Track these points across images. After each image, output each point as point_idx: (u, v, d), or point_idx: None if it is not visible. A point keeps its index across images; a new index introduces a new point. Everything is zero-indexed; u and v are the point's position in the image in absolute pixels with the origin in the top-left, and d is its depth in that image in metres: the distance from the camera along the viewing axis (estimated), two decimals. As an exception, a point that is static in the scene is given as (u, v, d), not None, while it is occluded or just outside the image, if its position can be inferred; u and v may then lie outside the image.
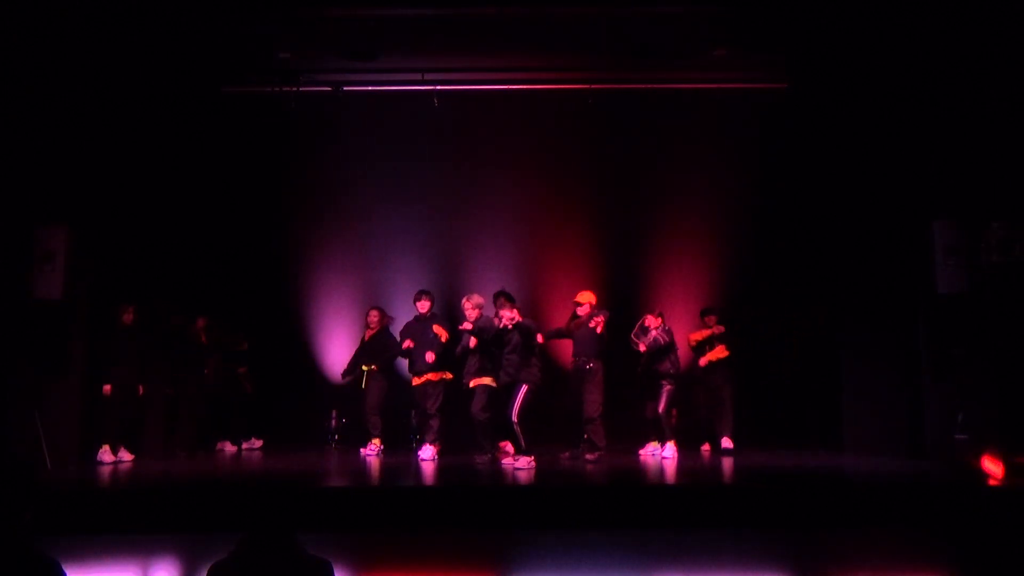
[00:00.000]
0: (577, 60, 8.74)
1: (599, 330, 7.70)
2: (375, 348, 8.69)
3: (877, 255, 8.14)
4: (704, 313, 8.91)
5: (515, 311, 7.44)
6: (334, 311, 9.89)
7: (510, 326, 7.31)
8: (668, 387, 8.04)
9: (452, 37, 8.09)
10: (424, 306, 8.31)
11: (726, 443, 8.38)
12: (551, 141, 9.73)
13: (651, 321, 8.23)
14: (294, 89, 9.03)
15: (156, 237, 8.25)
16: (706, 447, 8.61)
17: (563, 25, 7.80)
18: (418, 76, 9.03)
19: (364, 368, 8.61)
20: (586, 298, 7.93)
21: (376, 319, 8.80)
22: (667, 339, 8.08)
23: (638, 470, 7.10)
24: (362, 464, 7.60)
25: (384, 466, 7.42)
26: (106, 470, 6.99)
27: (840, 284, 8.56)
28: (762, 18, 7.56)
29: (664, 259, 9.78)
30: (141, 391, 7.70)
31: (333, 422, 9.28)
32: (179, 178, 8.64)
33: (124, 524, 5.26)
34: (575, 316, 7.97)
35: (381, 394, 8.54)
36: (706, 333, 8.72)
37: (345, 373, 8.82)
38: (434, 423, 7.88)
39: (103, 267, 7.61)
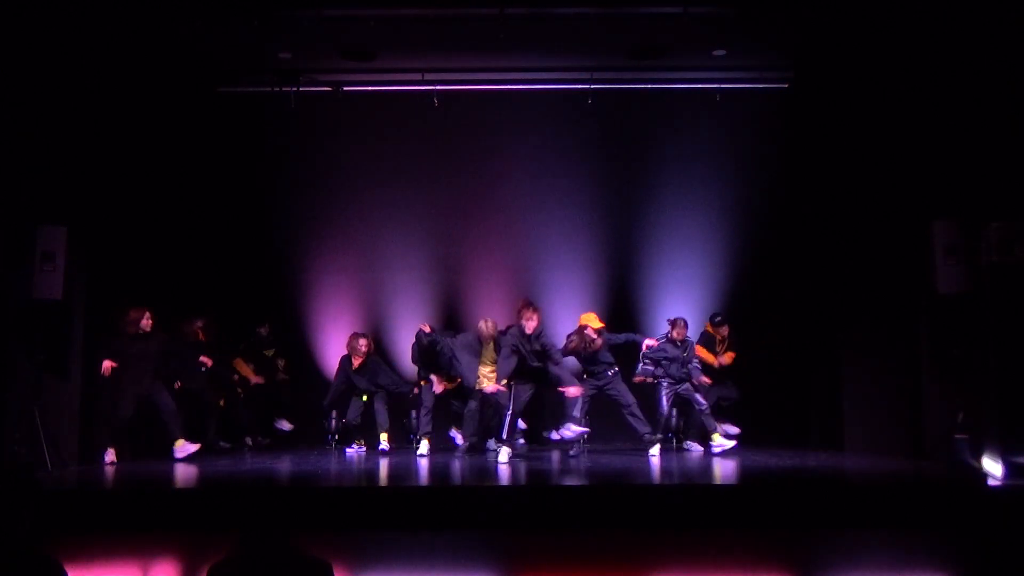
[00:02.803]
0: (577, 60, 8.74)
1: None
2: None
3: (877, 255, 8.14)
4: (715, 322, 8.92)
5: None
6: (333, 311, 9.89)
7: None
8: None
9: (452, 37, 8.09)
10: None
11: (696, 445, 8.49)
12: (551, 141, 9.73)
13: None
14: (294, 89, 9.02)
15: (155, 237, 8.25)
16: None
17: (563, 25, 7.80)
18: (418, 76, 9.03)
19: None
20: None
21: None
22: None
23: (638, 470, 7.10)
24: (362, 464, 7.61)
25: (383, 466, 7.43)
26: (106, 470, 7.00)
27: (840, 284, 8.56)
28: (762, 18, 7.56)
29: (664, 258, 9.77)
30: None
31: (333, 422, 9.28)
32: (179, 178, 8.65)
33: (124, 524, 5.26)
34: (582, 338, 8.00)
35: None
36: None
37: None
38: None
39: (102, 267, 7.61)
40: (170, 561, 5.07)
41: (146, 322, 7.51)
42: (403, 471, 7.10)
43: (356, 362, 8.66)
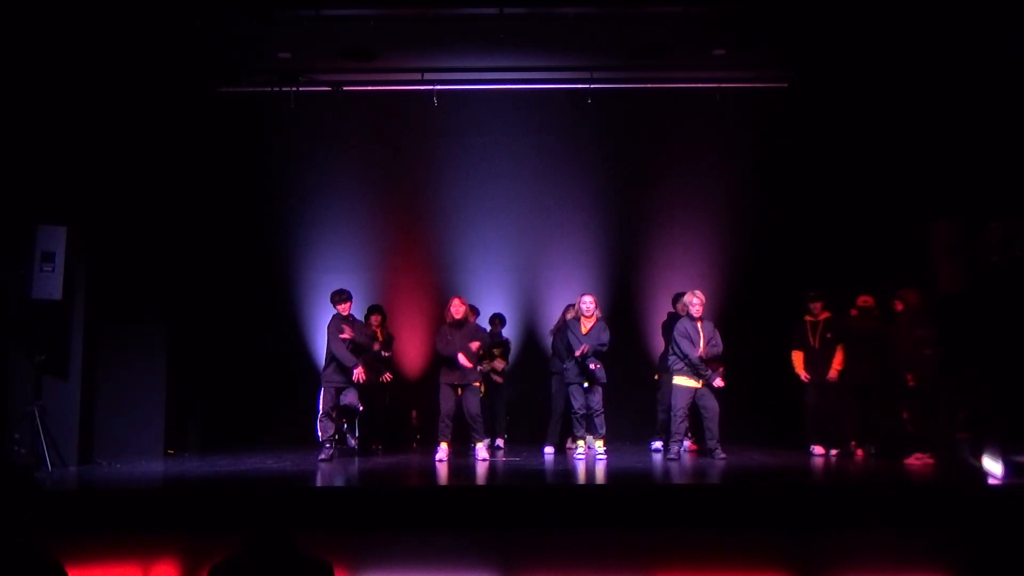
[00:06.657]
0: (577, 60, 8.74)
1: None
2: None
3: (877, 254, 8.14)
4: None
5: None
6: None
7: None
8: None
9: (452, 37, 8.09)
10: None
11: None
12: (551, 141, 9.73)
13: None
14: (294, 89, 9.02)
15: (155, 237, 8.24)
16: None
17: (563, 25, 7.80)
18: (418, 76, 9.02)
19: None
20: None
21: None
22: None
23: (638, 470, 7.11)
24: (363, 465, 7.62)
25: (384, 466, 7.43)
26: (106, 470, 7.01)
27: (840, 284, 8.55)
28: (762, 18, 7.56)
29: (664, 258, 9.77)
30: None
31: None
32: (179, 178, 8.63)
33: (124, 524, 5.26)
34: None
35: None
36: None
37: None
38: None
39: (102, 267, 7.61)
40: (170, 561, 5.07)
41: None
42: (403, 471, 7.11)
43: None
